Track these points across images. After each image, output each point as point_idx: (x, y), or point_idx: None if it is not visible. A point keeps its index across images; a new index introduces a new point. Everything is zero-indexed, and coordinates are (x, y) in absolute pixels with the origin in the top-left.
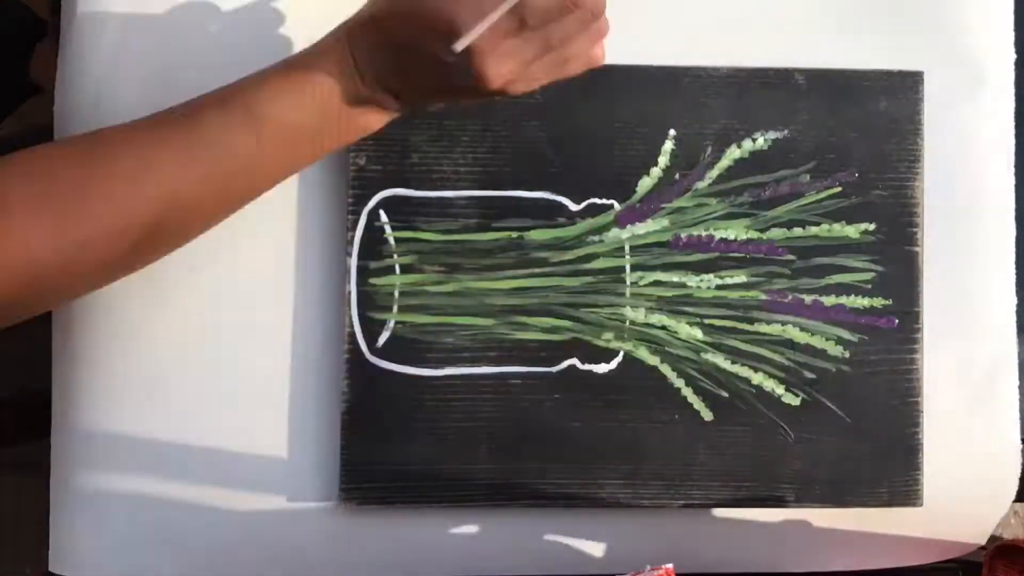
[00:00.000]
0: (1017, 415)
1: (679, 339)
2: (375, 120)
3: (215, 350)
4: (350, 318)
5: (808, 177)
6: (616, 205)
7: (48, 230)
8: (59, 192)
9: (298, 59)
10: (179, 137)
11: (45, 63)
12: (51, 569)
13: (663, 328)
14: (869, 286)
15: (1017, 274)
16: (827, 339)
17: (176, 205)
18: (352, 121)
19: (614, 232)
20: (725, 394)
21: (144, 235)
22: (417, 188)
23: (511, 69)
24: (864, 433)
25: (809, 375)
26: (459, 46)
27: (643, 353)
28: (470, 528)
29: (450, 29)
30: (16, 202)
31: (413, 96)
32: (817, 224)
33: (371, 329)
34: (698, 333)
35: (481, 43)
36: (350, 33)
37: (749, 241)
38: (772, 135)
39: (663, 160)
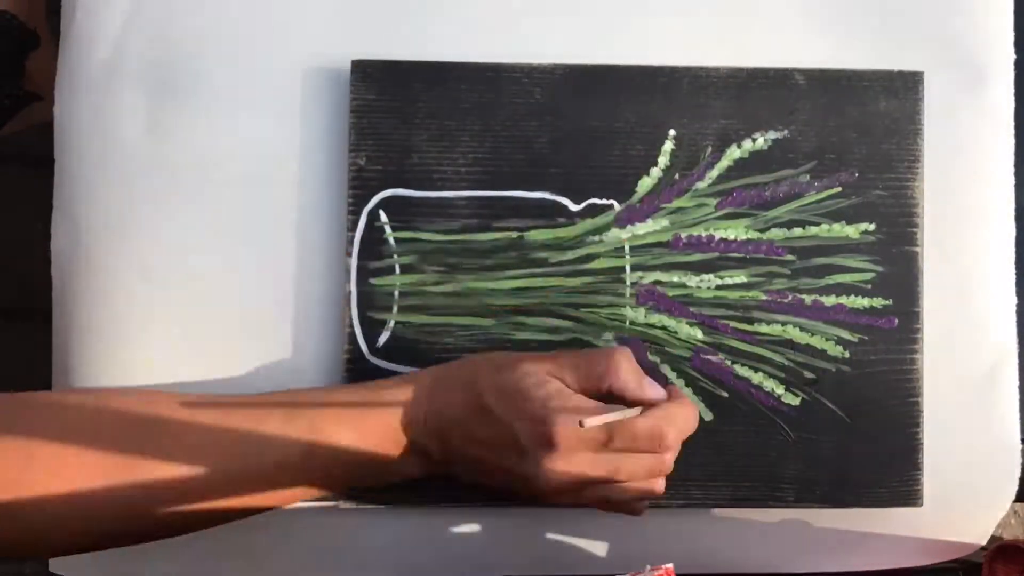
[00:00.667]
0: (1017, 415)
1: (679, 339)
2: (414, 469)
3: (215, 350)
4: (350, 318)
5: (808, 177)
6: (616, 205)
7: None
8: (118, 454)
9: (372, 388)
10: (240, 429)
11: (39, 72)
12: (51, 569)
13: (663, 328)
14: (869, 286)
15: (1017, 274)
16: (827, 339)
17: (213, 487)
18: (394, 466)
19: (614, 232)
20: (725, 394)
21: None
22: (417, 188)
23: (573, 478)
24: (864, 433)
25: (809, 375)
26: (588, 423)
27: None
28: (470, 528)
29: (549, 425)
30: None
31: (466, 466)
32: (817, 224)
33: (371, 329)
34: (698, 333)
35: (561, 443)
36: (434, 380)
37: (749, 241)
38: (772, 135)
39: (663, 160)
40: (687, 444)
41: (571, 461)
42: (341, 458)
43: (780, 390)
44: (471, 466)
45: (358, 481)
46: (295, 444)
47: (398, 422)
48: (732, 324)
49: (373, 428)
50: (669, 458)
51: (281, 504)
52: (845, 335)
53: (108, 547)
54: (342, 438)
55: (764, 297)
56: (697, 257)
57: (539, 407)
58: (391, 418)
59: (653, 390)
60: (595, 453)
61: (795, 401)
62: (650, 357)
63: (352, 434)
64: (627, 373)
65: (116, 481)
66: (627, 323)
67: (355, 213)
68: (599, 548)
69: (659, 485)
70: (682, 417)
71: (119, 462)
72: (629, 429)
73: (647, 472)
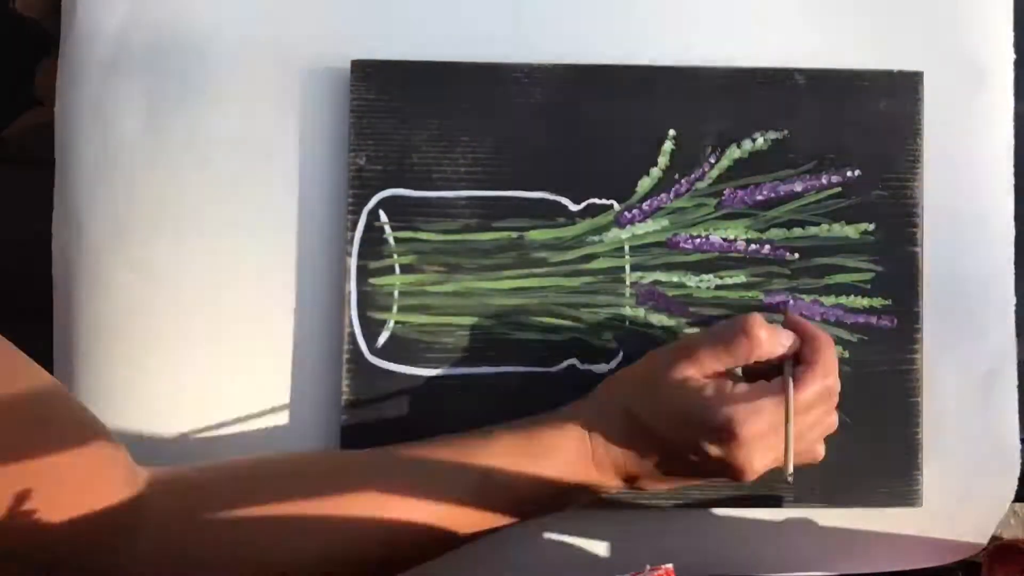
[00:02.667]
0: (1017, 415)
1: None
2: (586, 499)
3: (215, 350)
4: (350, 318)
5: (808, 177)
6: (616, 205)
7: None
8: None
9: (535, 433)
10: (420, 487)
11: (48, 77)
12: None
13: (663, 328)
14: (869, 286)
15: (1017, 274)
16: None
17: (393, 541)
18: (568, 498)
19: (614, 232)
20: None
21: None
22: (417, 188)
23: (774, 459)
24: (864, 433)
25: None
26: (791, 475)
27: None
28: None
29: (729, 429)
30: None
31: (653, 482)
32: (817, 224)
33: (371, 329)
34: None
35: (750, 437)
36: (590, 421)
37: (749, 241)
38: (772, 135)
39: (663, 160)
40: None
41: (765, 450)
42: (508, 506)
43: None
44: (655, 481)
45: (519, 520)
46: (466, 497)
47: (567, 470)
48: None
49: (540, 478)
50: (835, 390)
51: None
52: (845, 335)
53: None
54: (511, 488)
55: (764, 297)
56: (697, 257)
57: (711, 417)
58: (559, 468)
59: (789, 341)
60: (781, 431)
61: None
62: None
63: (520, 486)
64: (767, 344)
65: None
66: (627, 323)
67: (355, 213)
68: (599, 548)
69: (834, 419)
70: (829, 358)
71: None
72: (802, 402)
73: (825, 415)
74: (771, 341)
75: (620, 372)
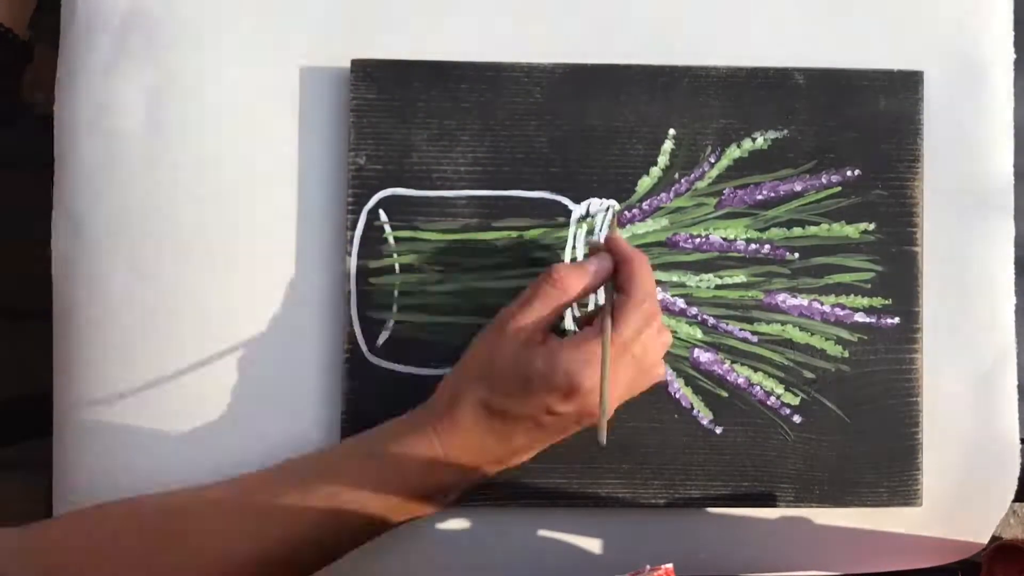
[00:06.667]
0: (1017, 415)
1: (679, 339)
2: (453, 494)
3: (215, 349)
4: (350, 318)
5: (808, 177)
6: (616, 205)
7: None
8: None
9: (384, 447)
10: (254, 511)
11: (33, 84)
12: None
13: None
14: (869, 286)
15: (1017, 274)
16: (826, 339)
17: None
18: (431, 503)
19: None
20: (724, 393)
21: None
22: (417, 188)
23: (619, 396)
24: (864, 433)
25: (808, 375)
26: (603, 442)
27: None
28: (469, 528)
29: (571, 384)
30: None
31: (525, 455)
32: (817, 224)
33: (371, 329)
34: (697, 332)
35: (593, 385)
36: (438, 423)
37: (748, 241)
38: (772, 135)
39: (663, 160)
40: (687, 444)
41: (613, 386)
42: (367, 526)
43: (780, 390)
44: (522, 454)
45: (384, 530)
46: (318, 520)
47: (421, 478)
48: (732, 324)
49: (396, 490)
50: (656, 310)
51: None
52: (844, 335)
53: None
54: (366, 505)
55: (763, 297)
56: (697, 257)
57: (551, 379)
58: (415, 478)
59: (595, 267)
60: (617, 367)
61: (795, 401)
62: None
63: (375, 503)
64: (574, 283)
65: None
66: None
67: (355, 212)
68: (599, 548)
69: (668, 336)
70: (644, 280)
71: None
72: (620, 340)
73: (657, 335)
74: (578, 278)
75: (453, 369)
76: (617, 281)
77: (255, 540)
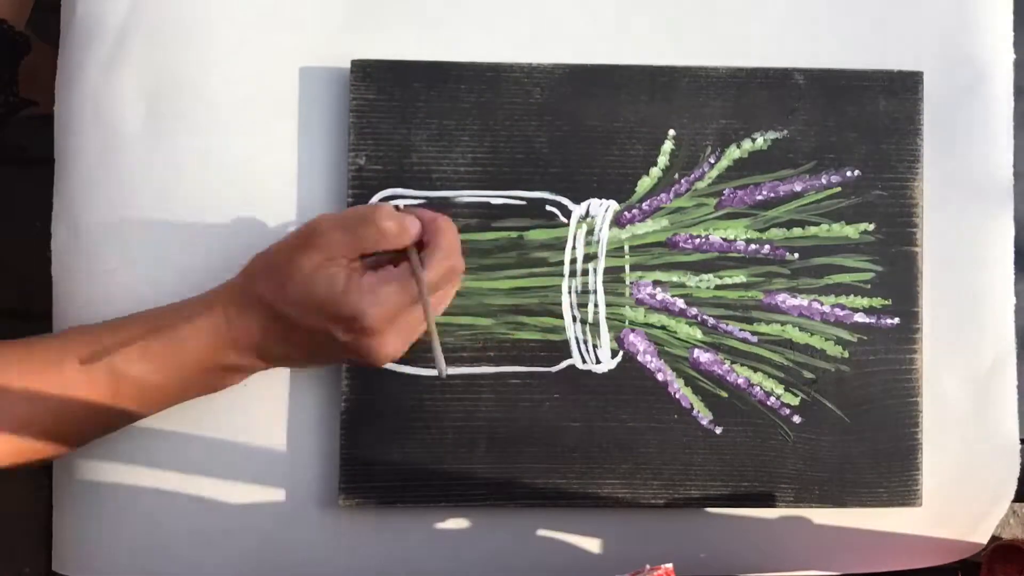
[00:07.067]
0: (1016, 415)
1: (678, 339)
2: (239, 378)
3: None
4: None
5: (808, 177)
6: (616, 205)
7: None
8: None
9: (170, 323)
10: (39, 381)
11: (31, 77)
12: (54, 568)
13: (662, 328)
14: (869, 286)
15: (1017, 274)
16: (826, 339)
17: (27, 433)
18: (216, 381)
19: (614, 232)
20: (724, 394)
21: None
22: (417, 188)
23: (403, 345)
24: (864, 433)
25: (808, 375)
26: (444, 373)
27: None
28: (469, 528)
29: (357, 319)
30: None
31: (291, 363)
32: (816, 224)
33: None
34: (697, 333)
35: (381, 325)
36: (229, 308)
37: (748, 241)
38: (772, 135)
39: (663, 160)
40: (687, 444)
41: (394, 333)
42: (148, 395)
43: (779, 390)
44: (299, 363)
45: (172, 404)
46: (97, 391)
47: (207, 356)
48: (731, 324)
49: (179, 365)
50: (460, 268)
51: (106, 431)
52: (844, 335)
53: None
54: (148, 378)
55: (763, 297)
56: (696, 257)
57: (340, 308)
58: (198, 354)
59: (415, 229)
60: (410, 312)
61: (794, 401)
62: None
63: (157, 376)
64: (394, 236)
65: None
66: (627, 323)
67: None
68: (599, 548)
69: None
70: (451, 239)
71: None
72: (428, 285)
73: (452, 290)
74: (399, 232)
75: (255, 258)
76: (425, 238)
77: (31, 400)
